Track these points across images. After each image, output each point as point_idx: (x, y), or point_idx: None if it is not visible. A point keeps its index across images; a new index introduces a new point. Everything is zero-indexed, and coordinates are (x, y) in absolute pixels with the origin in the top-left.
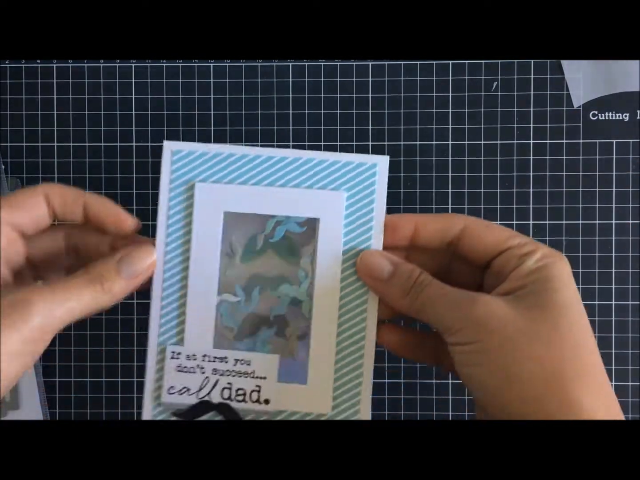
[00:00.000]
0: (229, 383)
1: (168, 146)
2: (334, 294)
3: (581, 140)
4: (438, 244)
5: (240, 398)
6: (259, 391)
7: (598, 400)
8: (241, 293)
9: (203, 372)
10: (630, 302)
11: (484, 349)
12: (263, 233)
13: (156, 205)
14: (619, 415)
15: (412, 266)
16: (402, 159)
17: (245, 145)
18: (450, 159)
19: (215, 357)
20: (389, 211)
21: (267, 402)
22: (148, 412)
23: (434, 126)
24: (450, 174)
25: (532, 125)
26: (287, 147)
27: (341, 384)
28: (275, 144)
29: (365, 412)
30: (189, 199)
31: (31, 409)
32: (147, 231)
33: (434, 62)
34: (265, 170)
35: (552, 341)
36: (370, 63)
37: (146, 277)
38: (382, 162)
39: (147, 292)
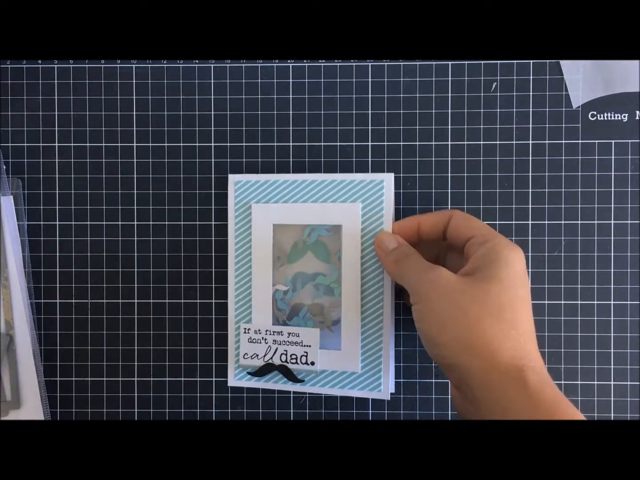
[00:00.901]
0: (285, 350)
1: (232, 179)
2: (357, 280)
3: (580, 141)
4: (437, 235)
5: (294, 361)
6: (306, 356)
7: (515, 349)
8: (289, 284)
9: (266, 343)
10: (629, 302)
11: (429, 303)
12: (302, 238)
13: (156, 205)
14: (525, 359)
15: (410, 247)
16: (401, 159)
17: (285, 174)
18: (449, 159)
19: (274, 331)
20: None
21: (312, 363)
22: (231, 372)
23: (433, 127)
24: (449, 174)
25: (531, 125)
26: (287, 147)
27: (367, 349)
28: (275, 144)
29: (386, 370)
30: (248, 216)
31: (32, 408)
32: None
33: (434, 62)
34: (301, 191)
35: (479, 299)
36: (370, 63)
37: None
38: (387, 179)
39: (142, 293)
